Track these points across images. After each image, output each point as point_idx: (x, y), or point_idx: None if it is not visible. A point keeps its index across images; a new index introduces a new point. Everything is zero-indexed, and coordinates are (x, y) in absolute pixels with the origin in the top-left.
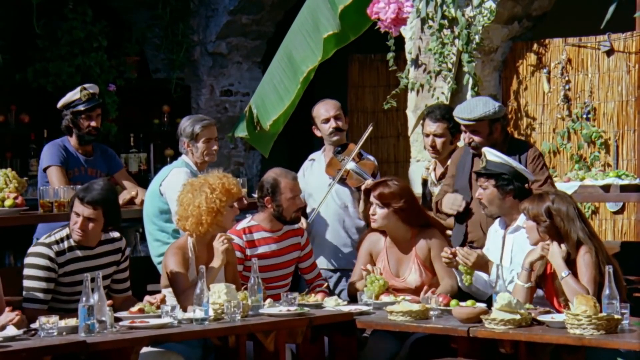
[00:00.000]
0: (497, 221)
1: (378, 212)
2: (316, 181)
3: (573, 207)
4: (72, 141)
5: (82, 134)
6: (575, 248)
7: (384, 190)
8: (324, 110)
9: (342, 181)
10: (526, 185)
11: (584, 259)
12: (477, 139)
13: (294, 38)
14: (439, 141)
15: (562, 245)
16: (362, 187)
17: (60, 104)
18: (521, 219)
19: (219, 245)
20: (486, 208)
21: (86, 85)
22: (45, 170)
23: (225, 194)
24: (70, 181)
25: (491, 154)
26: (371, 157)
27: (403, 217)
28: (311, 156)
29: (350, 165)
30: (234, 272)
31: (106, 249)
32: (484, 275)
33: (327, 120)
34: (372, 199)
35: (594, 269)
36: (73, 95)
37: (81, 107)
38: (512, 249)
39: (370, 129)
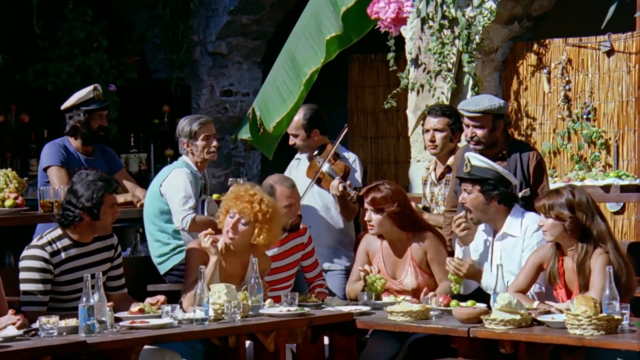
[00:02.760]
0: (482, 225)
1: (374, 218)
2: (300, 181)
3: (591, 199)
4: (73, 141)
5: (91, 133)
6: (593, 247)
7: (375, 195)
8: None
9: (318, 182)
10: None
11: (599, 259)
12: (479, 132)
13: (296, 40)
14: (438, 136)
15: (581, 244)
16: (332, 191)
17: (70, 103)
18: (507, 225)
19: (203, 243)
20: (470, 213)
21: (97, 85)
22: (45, 170)
23: (232, 198)
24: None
25: (475, 159)
26: (352, 157)
27: (397, 221)
28: (297, 155)
29: (325, 167)
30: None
31: (99, 245)
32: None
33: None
34: (365, 205)
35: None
36: (86, 94)
37: (95, 106)
38: (500, 256)
39: (345, 131)
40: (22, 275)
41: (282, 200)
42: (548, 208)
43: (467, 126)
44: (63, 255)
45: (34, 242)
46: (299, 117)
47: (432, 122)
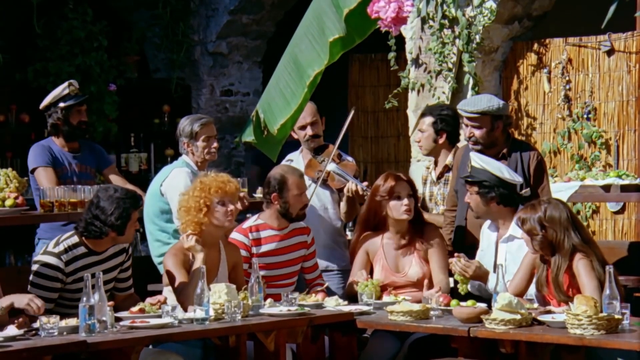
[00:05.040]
0: (488, 222)
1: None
2: None
3: (566, 215)
4: (57, 141)
5: (72, 129)
6: (570, 255)
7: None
8: (300, 117)
9: (323, 182)
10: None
11: (579, 264)
12: (477, 133)
13: (299, 42)
14: (421, 136)
15: (554, 258)
16: (346, 192)
17: (46, 102)
18: (513, 227)
19: (187, 243)
20: (473, 212)
21: (72, 81)
22: (32, 172)
23: (214, 190)
24: (60, 180)
25: (475, 160)
26: (350, 158)
27: None
28: (288, 156)
29: (331, 166)
30: (239, 272)
31: (112, 251)
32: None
33: (303, 127)
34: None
35: (594, 275)
36: (62, 91)
37: (72, 102)
38: (505, 257)
39: (352, 113)
40: (32, 279)
41: (293, 189)
42: (522, 223)
43: (466, 126)
44: (78, 263)
45: (51, 247)
46: (310, 104)
47: (420, 122)
